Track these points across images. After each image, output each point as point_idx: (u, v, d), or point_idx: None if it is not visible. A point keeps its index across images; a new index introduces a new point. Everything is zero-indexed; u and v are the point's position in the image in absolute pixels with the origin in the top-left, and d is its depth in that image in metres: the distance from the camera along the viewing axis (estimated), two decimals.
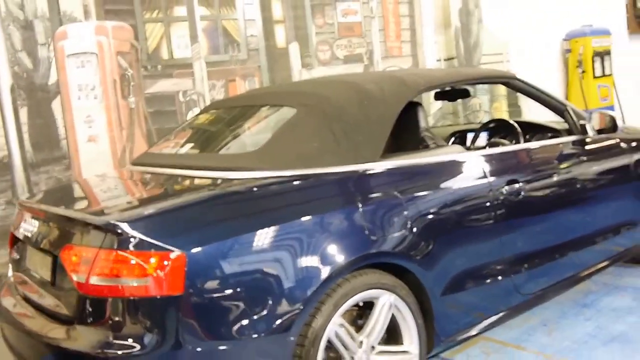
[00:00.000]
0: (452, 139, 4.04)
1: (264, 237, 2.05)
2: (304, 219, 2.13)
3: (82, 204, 2.74)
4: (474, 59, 7.21)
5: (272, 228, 2.07)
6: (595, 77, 7.96)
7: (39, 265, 2.36)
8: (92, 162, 4.35)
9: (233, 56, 5.13)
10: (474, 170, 2.71)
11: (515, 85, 3.26)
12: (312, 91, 2.76)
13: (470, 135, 3.85)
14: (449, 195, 2.55)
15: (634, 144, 3.64)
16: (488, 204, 2.66)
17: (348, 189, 2.34)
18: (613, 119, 3.44)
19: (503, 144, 3.43)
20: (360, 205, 2.27)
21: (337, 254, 2.14)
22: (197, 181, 2.47)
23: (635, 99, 9.12)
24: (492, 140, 3.66)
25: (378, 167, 2.43)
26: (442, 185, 2.57)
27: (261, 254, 2.03)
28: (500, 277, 2.75)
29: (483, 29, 7.25)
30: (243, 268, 2.00)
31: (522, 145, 3.13)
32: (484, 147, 3.49)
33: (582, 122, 3.38)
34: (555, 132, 3.53)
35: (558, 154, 3.20)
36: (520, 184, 2.83)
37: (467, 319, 2.68)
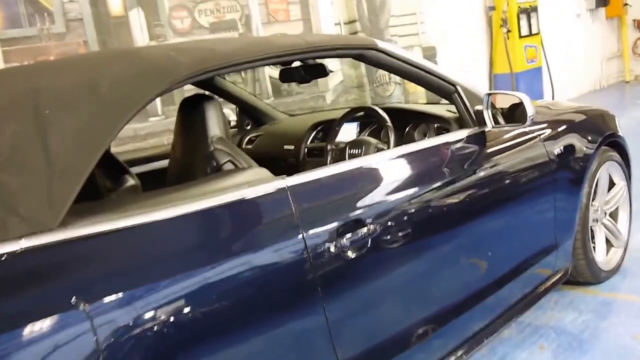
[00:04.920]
0: (313, 133, 2.93)
1: None
2: None
3: None
4: (381, 22, 6.13)
5: None
6: (521, 36, 7.05)
7: None
8: None
9: (43, 29, 3.88)
10: (279, 216, 1.59)
11: (373, 59, 2.12)
12: None
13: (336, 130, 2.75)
14: (217, 276, 1.41)
15: (562, 127, 2.63)
16: (301, 276, 1.56)
17: None
18: (521, 105, 2.37)
19: (368, 144, 2.40)
20: None
21: None
22: None
23: (564, 58, 8.26)
24: (359, 138, 2.60)
25: (51, 240, 1.23)
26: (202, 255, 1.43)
27: None
28: None
29: None
30: None
31: (376, 158, 2.02)
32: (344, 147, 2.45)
33: (478, 108, 2.33)
34: (445, 123, 2.47)
35: (440, 162, 2.13)
36: (366, 228, 1.73)
37: None
